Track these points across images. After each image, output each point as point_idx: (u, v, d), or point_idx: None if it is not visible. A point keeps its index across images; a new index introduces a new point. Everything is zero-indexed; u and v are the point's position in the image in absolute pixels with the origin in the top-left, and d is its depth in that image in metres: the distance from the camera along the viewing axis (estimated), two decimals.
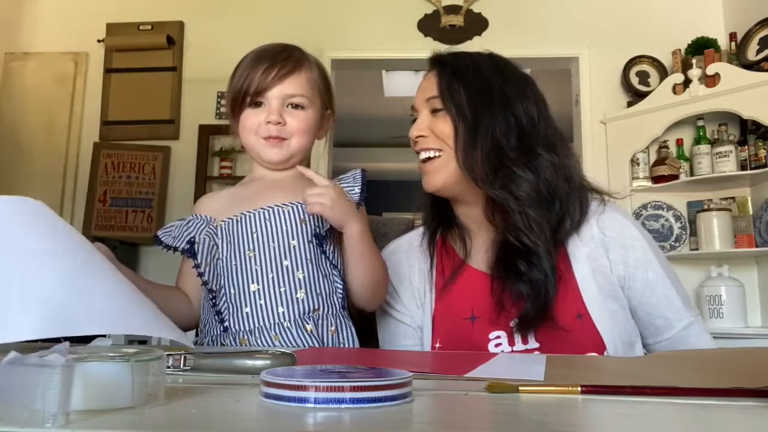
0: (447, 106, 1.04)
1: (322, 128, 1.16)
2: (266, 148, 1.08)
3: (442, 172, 1.04)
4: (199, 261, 1.05)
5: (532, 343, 0.99)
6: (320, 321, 1.06)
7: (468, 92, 1.03)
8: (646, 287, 1.02)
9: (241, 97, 1.07)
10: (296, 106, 1.08)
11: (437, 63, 1.10)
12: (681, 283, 1.05)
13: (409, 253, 1.15)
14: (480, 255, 1.08)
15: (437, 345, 1.05)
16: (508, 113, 1.02)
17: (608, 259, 1.02)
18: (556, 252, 1.01)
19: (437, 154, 1.05)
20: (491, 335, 1.01)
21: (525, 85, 1.08)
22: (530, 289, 0.98)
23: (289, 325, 1.04)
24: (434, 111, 1.06)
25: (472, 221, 1.11)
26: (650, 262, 1.02)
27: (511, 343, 1.00)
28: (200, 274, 1.05)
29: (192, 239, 1.07)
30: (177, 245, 1.08)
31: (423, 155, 1.07)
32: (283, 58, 1.08)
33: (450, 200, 1.11)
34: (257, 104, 1.08)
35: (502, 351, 0.99)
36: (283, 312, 1.04)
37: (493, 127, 1.01)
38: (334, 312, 1.08)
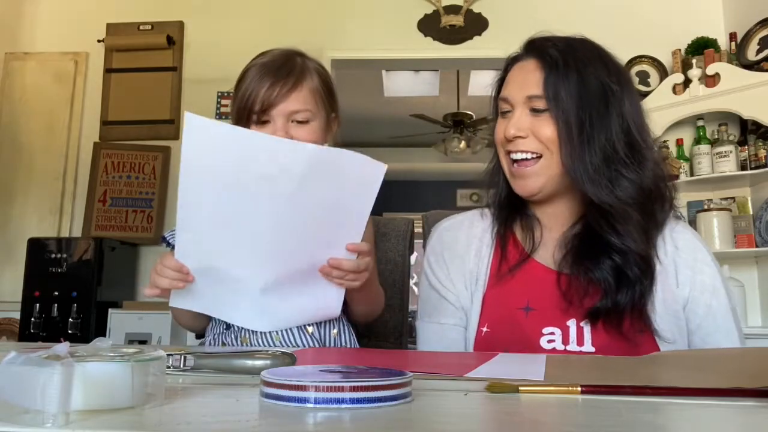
0: (553, 109, 0.96)
1: (329, 132, 1.16)
2: None
3: (541, 177, 0.98)
4: None
5: (588, 347, 0.95)
6: (322, 323, 1.07)
7: (576, 94, 0.95)
8: (708, 315, 0.98)
9: (246, 113, 1.07)
10: (301, 121, 1.08)
11: (538, 53, 1.00)
12: (739, 317, 1.02)
13: (469, 233, 1.09)
14: (548, 250, 1.03)
15: (484, 329, 1.01)
16: (616, 114, 0.96)
17: (676, 279, 0.99)
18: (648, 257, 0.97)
19: (534, 156, 0.98)
20: (545, 330, 0.97)
21: (627, 78, 1.00)
22: (610, 283, 0.94)
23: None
24: (535, 110, 0.98)
25: (548, 216, 1.05)
26: (717, 290, 0.99)
27: (566, 342, 0.95)
28: None
29: None
30: None
31: (519, 156, 0.98)
32: (285, 74, 1.07)
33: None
34: (263, 122, 1.08)
35: (554, 348, 0.96)
36: None
37: (603, 131, 0.95)
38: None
